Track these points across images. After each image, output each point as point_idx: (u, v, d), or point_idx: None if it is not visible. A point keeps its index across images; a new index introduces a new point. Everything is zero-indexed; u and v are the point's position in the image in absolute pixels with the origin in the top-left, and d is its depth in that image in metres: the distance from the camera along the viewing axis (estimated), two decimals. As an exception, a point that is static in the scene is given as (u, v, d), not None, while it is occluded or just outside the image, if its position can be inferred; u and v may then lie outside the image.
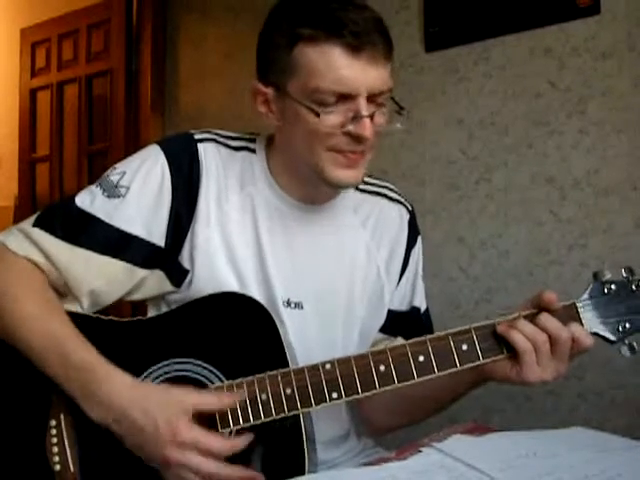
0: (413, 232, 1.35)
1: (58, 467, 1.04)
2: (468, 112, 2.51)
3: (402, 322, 1.32)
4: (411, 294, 1.34)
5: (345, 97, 1.07)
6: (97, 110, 3.80)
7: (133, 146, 3.47)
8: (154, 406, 0.98)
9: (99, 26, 3.74)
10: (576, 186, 2.29)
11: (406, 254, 1.32)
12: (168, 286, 1.18)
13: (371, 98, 1.08)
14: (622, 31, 2.21)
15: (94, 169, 3.78)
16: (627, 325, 1.05)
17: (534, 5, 2.36)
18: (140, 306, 1.29)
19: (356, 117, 1.07)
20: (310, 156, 1.12)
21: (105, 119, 3.73)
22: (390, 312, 1.31)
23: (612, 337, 1.06)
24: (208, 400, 1.01)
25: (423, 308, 1.37)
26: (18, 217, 3.89)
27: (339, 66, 1.05)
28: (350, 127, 1.07)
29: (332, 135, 1.09)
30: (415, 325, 1.33)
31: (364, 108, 1.07)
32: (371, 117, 1.07)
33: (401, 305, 1.33)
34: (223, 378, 1.06)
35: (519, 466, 0.89)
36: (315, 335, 1.20)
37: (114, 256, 1.13)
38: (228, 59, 3.26)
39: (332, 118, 1.07)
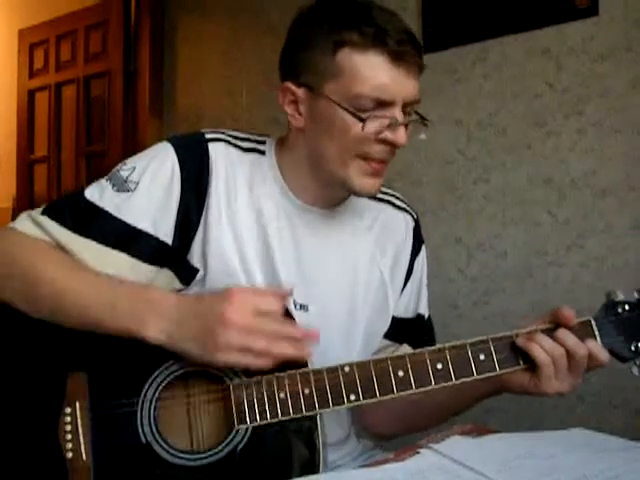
0: (418, 240, 1.36)
1: (70, 455, 1.03)
2: (466, 113, 2.52)
3: (407, 329, 1.33)
4: (416, 301, 1.35)
5: (383, 104, 1.09)
6: (95, 111, 3.79)
7: (131, 147, 3.48)
8: (206, 295, 1.03)
9: (97, 27, 3.74)
10: (574, 187, 2.30)
11: (410, 262, 1.33)
12: (177, 284, 1.18)
13: (404, 107, 1.11)
14: (620, 32, 2.21)
15: (92, 170, 3.78)
16: (639, 345, 1.07)
17: (532, 6, 2.37)
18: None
19: (391, 124, 1.10)
20: (337, 162, 1.13)
21: (103, 120, 3.73)
22: (394, 319, 1.31)
23: (624, 356, 1.08)
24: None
25: (427, 315, 1.38)
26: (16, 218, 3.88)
27: (382, 73, 1.08)
28: (387, 134, 1.10)
29: (367, 141, 1.11)
30: (420, 332, 1.34)
31: (400, 116, 1.10)
32: (405, 126, 1.11)
33: (406, 312, 1.34)
34: (242, 375, 1.05)
35: (517, 467, 0.89)
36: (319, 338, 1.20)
37: (121, 250, 1.13)
38: (226, 60, 3.26)
39: (374, 124, 1.09)
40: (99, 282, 1.08)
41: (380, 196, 1.33)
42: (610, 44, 2.23)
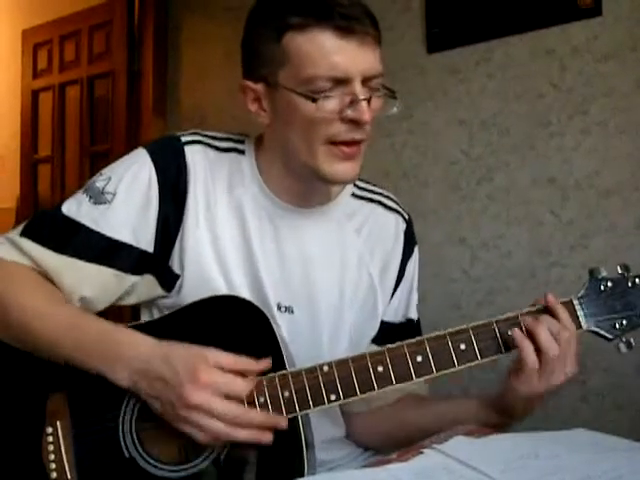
0: (409, 242, 1.32)
1: (55, 474, 1.03)
2: (470, 113, 2.51)
3: (396, 334, 1.27)
4: (406, 306, 1.32)
5: (340, 82, 1.05)
6: (99, 111, 3.80)
7: (134, 147, 3.46)
8: (175, 355, 0.97)
9: (101, 27, 3.74)
10: (578, 187, 2.29)
11: (402, 265, 1.30)
12: (159, 291, 1.16)
13: (365, 82, 1.07)
14: (624, 32, 2.21)
15: (96, 170, 3.70)
16: (624, 322, 1.06)
17: (536, 6, 2.36)
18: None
19: (353, 102, 1.05)
20: (306, 152, 1.10)
21: (107, 120, 3.73)
22: (383, 323, 1.28)
23: (609, 335, 1.07)
24: (231, 357, 0.99)
25: (416, 319, 1.35)
26: (20, 218, 3.89)
27: (331, 50, 1.04)
28: (348, 112, 1.06)
29: (330, 122, 1.07)
30: (410, 336, 1.31)
31: (360, 92, 1.06)
32: (368, 101, 1.06)
33: (395, 317, 1.31)
34: None
35: (520, 467, 0.88)
36: (304, 340, 1.17)
37: (102, 263, 1.11)
38: (229, 60, 3.26)
39: (329, 103, 1.06)
40: (71, 317, 1.06)
41: (369, 196, 1.30)
42: (614, 44, 2.23)
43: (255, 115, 1.15)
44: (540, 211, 2.36)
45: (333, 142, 1.08)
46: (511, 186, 2.43)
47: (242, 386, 0.97)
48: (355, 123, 1.07)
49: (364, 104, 1.05)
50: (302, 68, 1.05)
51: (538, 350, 1.03)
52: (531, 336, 1.04)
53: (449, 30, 2.55)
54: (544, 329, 1.03)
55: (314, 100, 1.05)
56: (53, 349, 1.04)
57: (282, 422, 0.98)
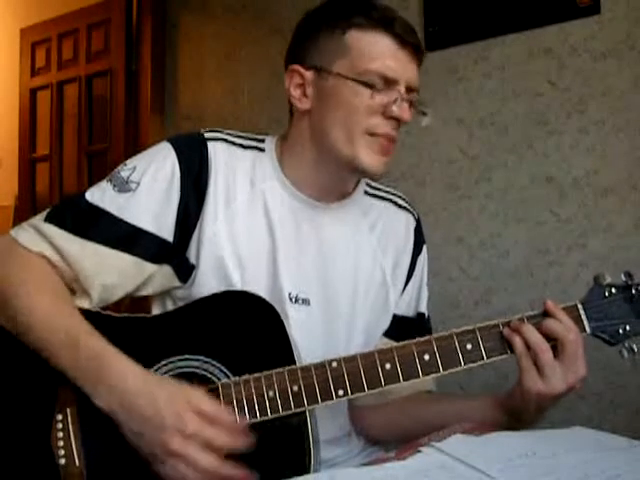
0: (419, 240, 1.38)
1: (63, 461, 1.04)
2: (468, 112, 2.51)
3: (408, 327, 1.33)
4: (417, 300, 1.36)
5: (388, 82, 1.15)
6: (97, 110, 3.79)
7: (133, 146, 3.47)
8: (162, 397, 0.98)
9: (99, 26, 3.74)
10: (576, 186, 2.30)
11: (412, 261, 1.35)
12: (175, 282, 1.19)
13: (406, 91, 1.17)
14: (622, 31, 2.21)
15: (94, 169, 3.78)
16: (627, 328, 1.08)
17: (534, 5, 2.36)
18: (137, 303, 1.30)
19: (397, 100, 1.15)
20: (345, 140, 1.17)
21: (105, 119, 3.73)
22: (396, 317, 1.32)
23: (612, 340, 1.08)
24: (215, 407, 0.99)
25: (427, 314, 1.39)
26: (18, 217, 3.89)
27: (388, 53, 1.16)
28: (393, 108, 1.15)
29: (373, 115, 1.15)
30: (420, 331, 1.33)
31: (405, 94, 1.16)
32: (409, 105, 1.17)
33: (407, 311, 1.35)
34: (230, 375, 1.06)
35: (518, 466, 0.88)
36: (319, 332, 1.21)
37: (124, 250, 1.14)
38: (227, 59, 3.26)
39: (380, 97, 1.15)
40: (73, 331, 1.05)
41: (382, 195, 1.35)
42: (612, 42, 2.23)
43: (294, 100, 1.22)
44: (538, 210, 2.37)
45: (372, 134, 1.16)
46: (509, 185, 2.43)
47: (226, 440, 0.97)
48: (395, 120, 1.16)
49: (406, 105, 1.16)
50: (360, 61, 1.16)
51: (529, 348, 1.06)
52: (520, 335, 1.07)
53: (447, 28, 2.55)
54: (529, 327, 1.06)
55: (370, 87, 1.15)
56: (47, 356, 1.05)
57: None
